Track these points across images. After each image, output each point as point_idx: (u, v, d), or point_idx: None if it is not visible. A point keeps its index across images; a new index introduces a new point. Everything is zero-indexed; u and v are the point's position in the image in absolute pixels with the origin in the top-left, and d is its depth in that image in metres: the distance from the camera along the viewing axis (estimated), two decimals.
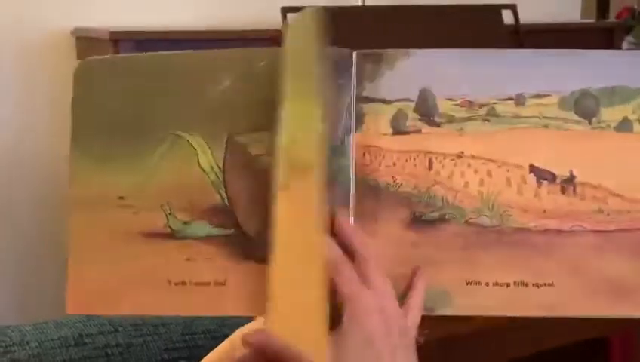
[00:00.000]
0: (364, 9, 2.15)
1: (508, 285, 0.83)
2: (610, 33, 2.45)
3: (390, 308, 0.79)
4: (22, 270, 1.97)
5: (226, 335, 1.11)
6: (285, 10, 1.92)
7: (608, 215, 0.81)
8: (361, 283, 0.78)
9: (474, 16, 2.16)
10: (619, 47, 2.43)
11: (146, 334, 1.05)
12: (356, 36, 1.98)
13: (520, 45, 2.18)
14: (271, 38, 1.89)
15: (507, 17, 2.20)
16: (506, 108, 0.83)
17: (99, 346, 1.01)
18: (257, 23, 2.04)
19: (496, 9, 2.19)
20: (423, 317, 0.85)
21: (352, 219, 0.84)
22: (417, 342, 0.82)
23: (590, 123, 0.82)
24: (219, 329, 1.11)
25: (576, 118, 0.82)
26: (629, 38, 2.81)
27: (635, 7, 2.97)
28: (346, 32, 2.00)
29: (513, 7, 2.20)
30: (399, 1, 2.11)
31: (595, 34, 2.44)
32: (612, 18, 2.97)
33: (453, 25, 2.11)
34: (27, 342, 0.99)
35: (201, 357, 0.93)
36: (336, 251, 0.78)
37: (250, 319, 1.12)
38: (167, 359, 1.04)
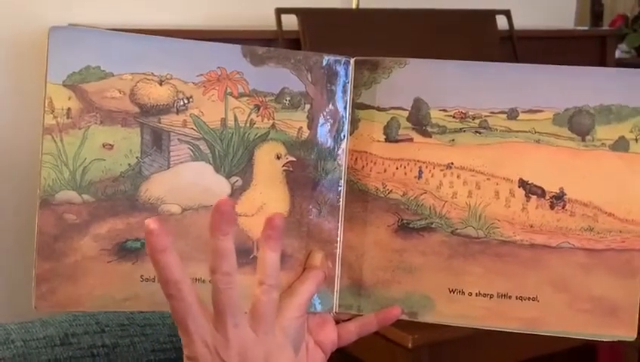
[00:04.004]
0: (357, 12, 2.14)
1: (491, 296, 0.83)
2: (604, 41, 2.45)
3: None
4: (7, 269, 1.96)
5: None
6: (280, 12, 1.92)
7: (598, 233, 0.81)
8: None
9: (468, 22, 2.17)
10: (612, 55, 2.44)
11: (132, 335, 1.05)
12: (349, 40, 1.98)
13: (513, 51, 2.19)
14: (265, 39, 1.89)
15: (501, 23, 2.20)
16: (498, 122, 0.82)
17: (85, 346, 1.01)
18: (252, 24, 2.04)
19: (490, 14, 2.19)
20: (411, 323, 0.85)
21: (341, 222, 0.85)
22: (405, 347, 0.82)
23: (584, 140, 0.81)
24: None
25: (569, 134, 0.81)
26: (622, 46, 2.82)
27: (629, 15, 2.98)
28: (339, 35, 2.00)
29: (507, 13, 2.21)
30: (393, 5, 2.11)
31: (589, 41, 2.44)
32: (606, 26, 2.98)
33: (447, 30, 2.11)
34: (12, 341, 0.98)
35: None
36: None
37: None
38: (153, 360, 1.04)
